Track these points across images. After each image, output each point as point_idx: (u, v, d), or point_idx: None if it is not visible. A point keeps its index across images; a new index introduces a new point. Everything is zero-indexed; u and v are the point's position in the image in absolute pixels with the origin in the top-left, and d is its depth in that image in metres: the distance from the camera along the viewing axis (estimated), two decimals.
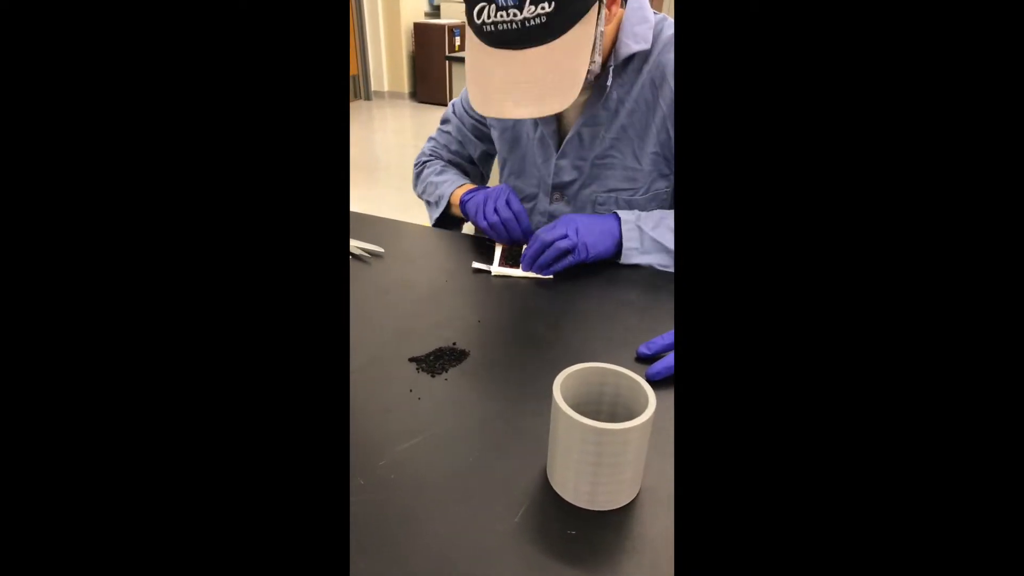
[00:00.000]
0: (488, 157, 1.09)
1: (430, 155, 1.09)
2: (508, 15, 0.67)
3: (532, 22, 0.67)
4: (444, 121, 1.09)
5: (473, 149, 1.07)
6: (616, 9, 0.78)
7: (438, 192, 0.99)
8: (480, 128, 1.04)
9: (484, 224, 0.86)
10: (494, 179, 1.11)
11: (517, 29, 0.67)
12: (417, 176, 1.08)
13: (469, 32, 0.73)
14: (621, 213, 0.83)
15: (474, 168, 1.10)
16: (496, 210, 0.85)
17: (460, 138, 1.06)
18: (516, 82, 0.71)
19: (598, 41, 0.73)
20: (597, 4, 0.70)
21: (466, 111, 1.04)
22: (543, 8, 0.66)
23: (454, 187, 0.97)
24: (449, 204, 0.97)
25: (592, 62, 0.73)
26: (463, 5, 0.73)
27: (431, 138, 1.11)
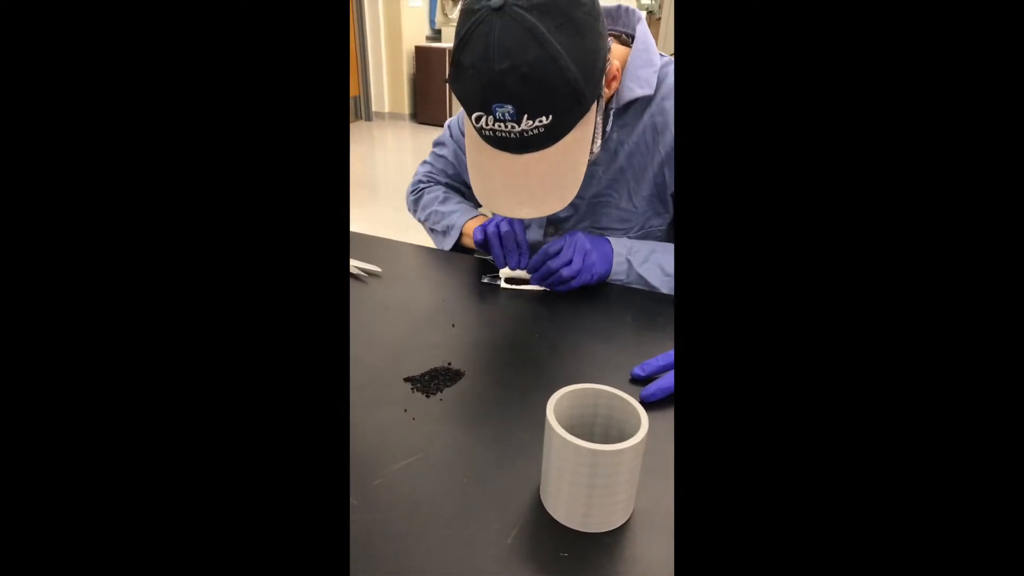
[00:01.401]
0: None
1: (427, 181, 1.07)
2: (506, 127, 0.64)
3: (530, 133, 0.64)
4: (438, 144, 1.07)
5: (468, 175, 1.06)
6: (613, 81, 0.76)
7: (446, 222, 0.97)
8: None
9: (485, 236, 0.86)
10: None
11: (516, 138, 0.65)
12: (415, 202, 1.06)
13: (468, 125, 0.69)
14: (613, 243, 0.84)
15: (471, 192, 1.07)
16: (497, 224, 0.85)
17: (456, 162, 1.04)
18: (516, 184, 0.69)
19: (597, 129, 0.71)
20: (595, 101, 0.67)
21: (463, 133, 1.01)
22: (541, 121, 0.63)
23: (465, 218, 0.96)
24: (461, 234, 0.96)
25: (591, 153, 0.71)
26: None
27: (425, 162, 1.08)
